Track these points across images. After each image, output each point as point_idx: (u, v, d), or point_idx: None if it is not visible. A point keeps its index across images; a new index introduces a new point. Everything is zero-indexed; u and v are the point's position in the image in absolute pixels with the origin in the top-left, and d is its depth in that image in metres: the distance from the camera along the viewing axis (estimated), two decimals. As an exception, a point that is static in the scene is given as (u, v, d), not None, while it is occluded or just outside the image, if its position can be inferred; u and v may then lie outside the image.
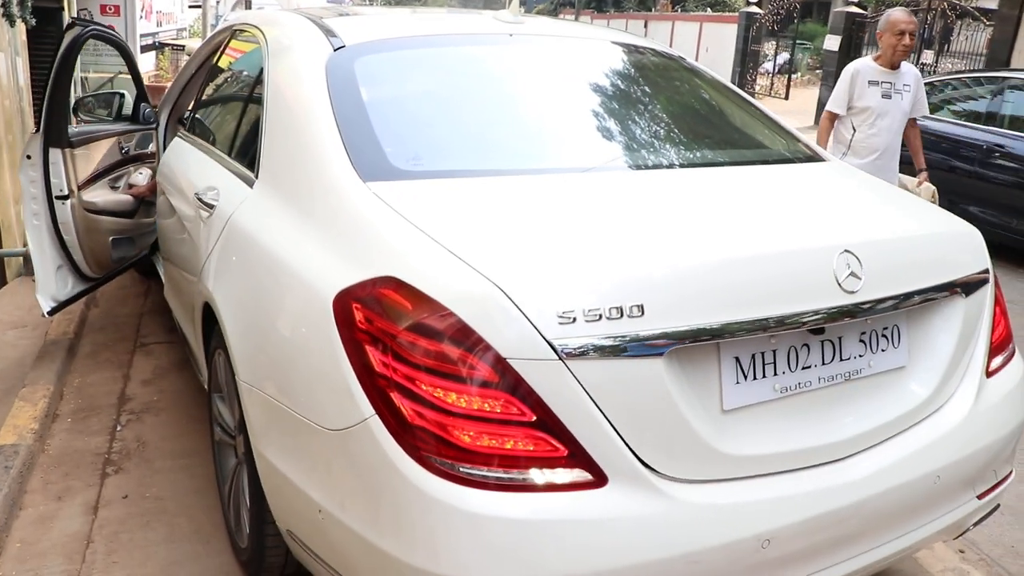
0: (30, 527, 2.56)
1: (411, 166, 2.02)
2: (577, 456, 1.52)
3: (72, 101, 3.82)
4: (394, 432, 1.54)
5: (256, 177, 2.30)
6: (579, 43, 2.85)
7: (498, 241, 1.71)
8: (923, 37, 13.56)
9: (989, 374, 2.07)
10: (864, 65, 4.51)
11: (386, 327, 1.58)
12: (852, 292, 1.75)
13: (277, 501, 1.95)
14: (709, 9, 25.88)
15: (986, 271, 2.09)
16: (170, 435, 3.11)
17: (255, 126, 2.46)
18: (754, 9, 18.60)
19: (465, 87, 2.44)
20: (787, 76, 18.41)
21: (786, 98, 17.58)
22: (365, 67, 2.31)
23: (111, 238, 3.78)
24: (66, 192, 3.45)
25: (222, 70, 3.46)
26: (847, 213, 2.15)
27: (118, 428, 3.16)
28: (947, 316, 1.98)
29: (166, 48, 12.11)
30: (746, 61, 18.55)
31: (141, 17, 10.55)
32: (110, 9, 9.52)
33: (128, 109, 4.07)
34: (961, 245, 2.10)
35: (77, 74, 9.55)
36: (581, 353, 1.50)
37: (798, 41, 19.55)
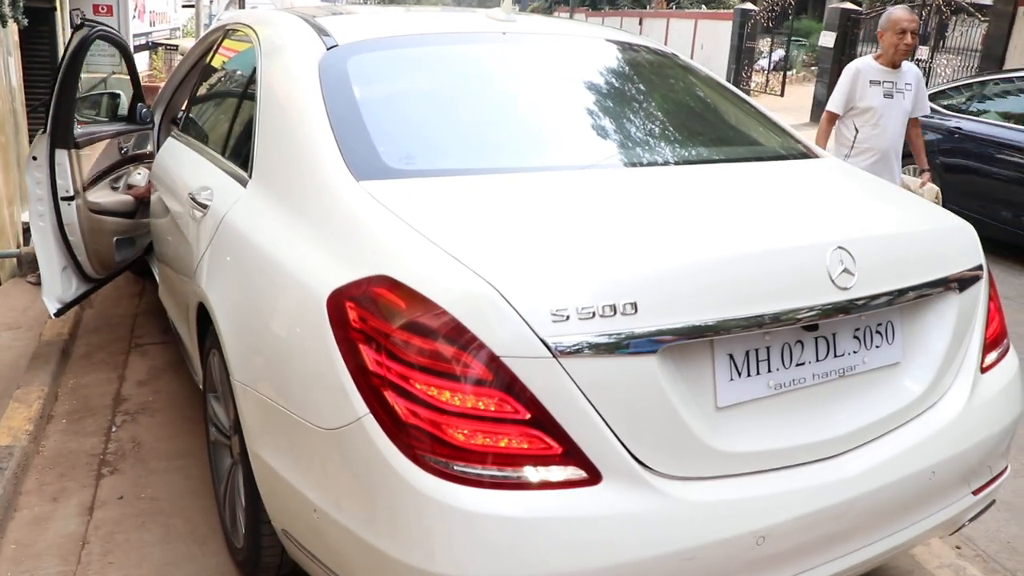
0: (25, 528, 2.55)
1: (404, 165, 2.02)
2: (571, 454, 1.52)
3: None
4: (388, 431, 1.54)
5: (249, 177, 2.30)
6: (572, 41, 2.84)
7: (491, 239, 1.71)
8: (918, 33, 13.57)
9: (984, 370, 2.07)
10: (865, 64, 4.45)
11: (380, 326, 1.57)
12: (845, 288, 1.75)
13: (272, 501, 1.95)
14: (704, 6, 25.90)
15: (980, 267, 2.09)
16: (165, 436, 3.11)
17: (248, 126, 2.46)
18: (749, 6, 18.61)
19: (458, 86, 2.44)
20: (782, 73, 18.42)
21: (781, 95, 17.59)
22: (358, 66, 2.30)
23: (115, 239, 3.78)
24: (72, 193, 3.45)
25: (215, 70, 3.45)
26: (840, 209, 2.15)
27: (113, 429, 3.16)
28: (941, 312, 1.98)
29: (159, 48, 12.08)
30: (741, 58, 18.56)
31: (134, 17, 10.50)
32: (103, 9, 9.47)
33: (123, 109, 4.06)
34: (955, 241, 2.10)
35: (72, 74, 9.51)
36: (575, 351, 1.50)
37: (793, 38, 19.55)
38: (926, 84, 4.99)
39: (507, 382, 1.50)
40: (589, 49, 2.83)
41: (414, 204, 1.83)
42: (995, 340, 2.13)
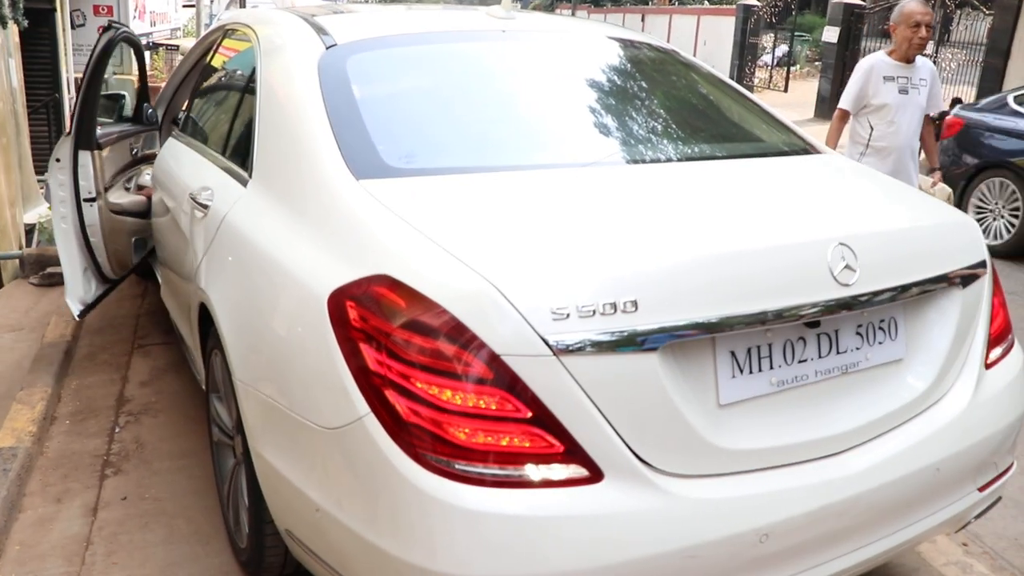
0: (29, 529, 2.55)
1: (404, 164, 2.02)
2: (573, 452, 1.52)
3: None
4: (390, 430, 1.53)
5: (250, 176, 2.30)
6: (572, 38, 2.84)
7: (492, 238, 1.71)
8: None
9: (988, 366, 2.06)
10: (878, 60, 4.30)
11: (380, 325, 1.57)
12: (847, 285, 1.74)
13: (275, 501, 1.95)
14: (706, 2, 25.85)
15: (983, 262, 2.08)
16: (168, 436, 3.11)
17: (248, 126, 2.46)
18: (752, 1, 18.57)
19: (457, 84, 2.43)
20: (786, 69, 18.38)
21: (785, 91, 17.57)
22: (357, 65, 2.30)
23: (133, 239, 3.79)
24: (94, 194, 3.46)
25: (215, 70, 3.45)
26: (842, 205, 2.14)
27: (116, 430, 3.16)
28: (944, 308, 1.97)
29: (160, 48, 12.10)
30: (744, 54, 18.53)
31: (134, 17, 10.52)
32: (103, 9, 9.49)
33: (128, 111, 4.07)
34: (958, 236, 2.09)
35: (71, 74, 9.56)
36: (576, 349, 1.50)
37: (796, 33, 19.53)
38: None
39: (508, 381, 1.49)
40: (589, 46, 2.82)
41: (414, 203, 1.83)
42: (999, 336, 2.12)
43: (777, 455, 1.70)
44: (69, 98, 9.33)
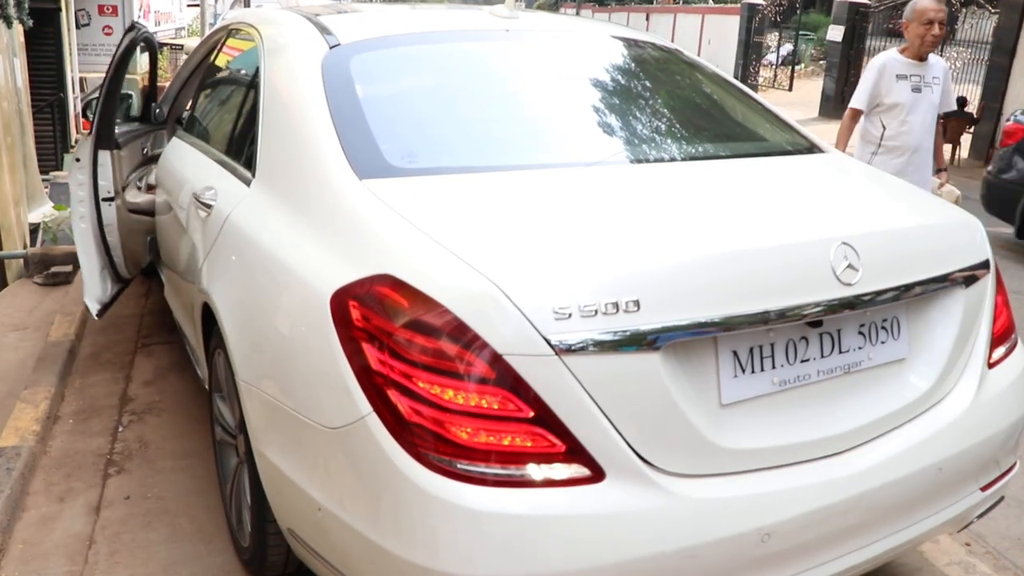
0: (33, 528, 2.56)
1: (407, 163, 2.02)
2: (575, 451, 1.52)
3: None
4: (392, 429, 1.54)
5: (253, 176, 2.30)
6: (575, 38, 2.83)
7: (494, 238, 1.71)
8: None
9: (991, 365, 2.05)
10: (890, 58, 4.20)
11: (383, 325, 1.57)
12: (850, 284, 1.74)
13: (278, 500, 1.96)
14: (711, 1, 25.81)
15: (986, 262, 2.07)
16: (171, 435, 3.12)
17: (251, 125, 2.46)
18: (756, 0, 18.54)
19: (461, 84, 2.43)
20: (790, 68, 18.36)
21: (790, 90, 17.56)
22: (361, 65, 2.30)
23: (148, 238, 3.81)
24: (112, 194, 3.48)
25: (219, 69, 3.46)
26: (845, 205, 2.13)
27: (119, 429, 3.17)
28: (947, 307, 1.97)
29: (164, 47, 12.13)
30: (749, 53, 18.52)
31: (139, 16, 10.54)
32: (108, 9, 9.51)
33: (135, 110, 4.09)
34: (961, 236, 2.08)
35: (76, 74, 9.58)
36: (578, 348, 1.50)
37: (801, 32, 19.51)
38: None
39: (510, 380, 1.49)
40: (592, 46, 2.82)
41: (417, 202, 1.83)
42: (1003, 335, 2.12)
43: (779, 455, 1.69)
44: (73, 97, 9.36)
